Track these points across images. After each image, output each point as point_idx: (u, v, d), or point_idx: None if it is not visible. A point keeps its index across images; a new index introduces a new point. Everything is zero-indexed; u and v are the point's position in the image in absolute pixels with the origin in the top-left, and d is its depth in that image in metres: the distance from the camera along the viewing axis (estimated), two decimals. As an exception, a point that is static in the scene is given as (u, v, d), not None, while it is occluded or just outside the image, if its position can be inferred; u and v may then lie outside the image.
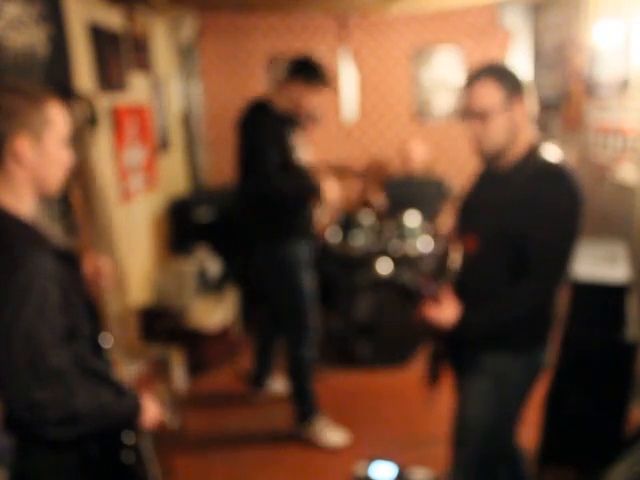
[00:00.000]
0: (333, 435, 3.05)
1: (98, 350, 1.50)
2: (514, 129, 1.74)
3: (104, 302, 1.76)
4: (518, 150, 1.77)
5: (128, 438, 1.47)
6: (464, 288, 1.86)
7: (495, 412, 1.88)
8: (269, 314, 3.41)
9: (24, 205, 1.35)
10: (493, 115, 1.72)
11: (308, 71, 2.84)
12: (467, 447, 1.95)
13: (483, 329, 1.85)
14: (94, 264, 1.71)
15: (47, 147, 1.33)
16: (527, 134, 1.79)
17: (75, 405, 1.27)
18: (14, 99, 1.29)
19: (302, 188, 2.87)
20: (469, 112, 1.77)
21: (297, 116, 2.92)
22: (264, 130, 2.77)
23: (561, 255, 1.74)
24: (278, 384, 3.49)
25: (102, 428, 1.37)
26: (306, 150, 3.00)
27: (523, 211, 1.71)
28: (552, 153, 1.78)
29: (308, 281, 3.04)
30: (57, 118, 1.35)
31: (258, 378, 3.47)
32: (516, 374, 1.86)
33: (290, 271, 2.95)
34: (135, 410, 1.45)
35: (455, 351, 1.94)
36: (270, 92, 2.97)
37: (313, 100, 2.87)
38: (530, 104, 1.78)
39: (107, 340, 1.54)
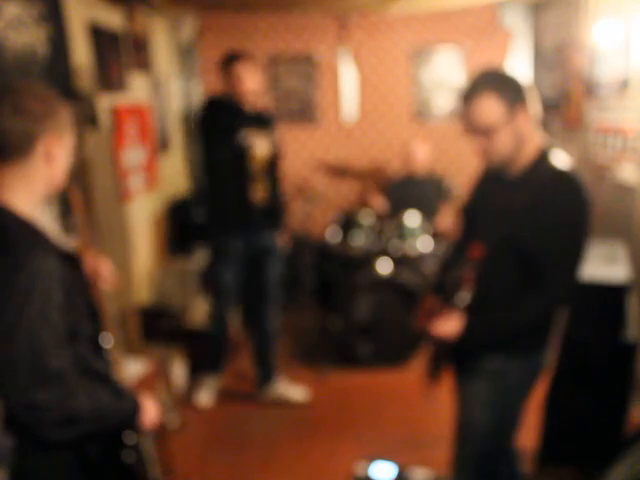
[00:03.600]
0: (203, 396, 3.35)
1: (98, 350, 1.50)
2: (520, 138, 1.72)
3: (104, 302, 1.76)
4: (527, 156, 1.75)
5: (129, 438, 1.47)
6: (472, 296, 1.84)
7: (494, 414, 1.88)
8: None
9: (31, 206, 1.36)
10: (497, 130, 1.68)
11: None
12: (467, 448, 1.96)
13: (488, 340, 1.84)
14: (93, 264, 1.71)
15: (66, 150, 1.39)
16: (535, 139, 1.76)
17: (75, 407, 1.27)
18: (40, 101, 1.32)
19: None
20: (472, 128, 1.73)
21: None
22: None
23: (573, 264, 1.73)
24: (281, 388, 3.47)
25: (102, 429, 1.37)
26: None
27: (534, 219, 1.69)
28: (561, 158, 1.76)
29: (229, 276, 3.24)
30: (69, 122, 1.39)
31: (263, 380, 3.48)
32: (514, 376, 1.85)
33: (214, 261, 3.28)
34: (134, 411, 1.46)
35: (455, 353, 1.93)
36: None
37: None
38: (534, 108, 1.75)
39: (107, 340, 1.54)
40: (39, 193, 1.37)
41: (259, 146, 3.06)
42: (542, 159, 1.74)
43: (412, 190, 4.35)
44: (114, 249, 3.34)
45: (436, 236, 3.93)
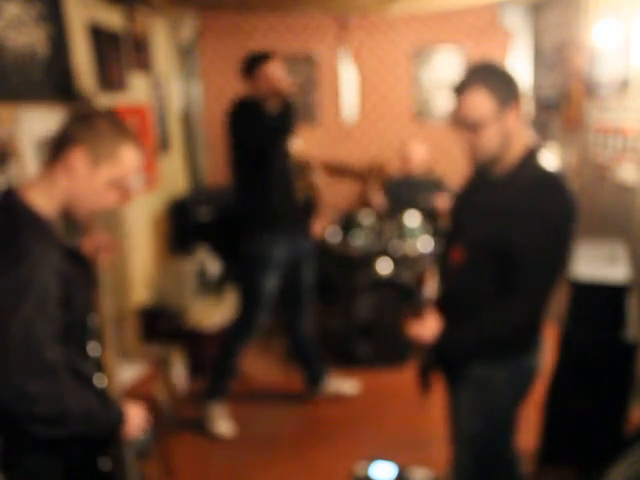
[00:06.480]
0: (222, 425, 3.11)
1: (86, 355, 1.49)
2: (507, 136, 1.68)
3: (101, 306, 1.76)
4: (513, 155, 1.71)
5: (108, 446, 1.47)
6: (450, 301, 1.84)
7: (484, 423, 1.86)
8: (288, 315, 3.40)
9: (50, 209, 1.37)
10: (485, 125, 1.65)
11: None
12: (462, 455, 1.94)
13: (466, 348, 1.81)
14: (93, 242, 1.73)
15: (98, 176, 1.38)
16: (522, 138, 1.73)
17: (65, 404, 1.27)
18: (100, 121, 1.39)
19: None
20: (460, 121, 1.70)
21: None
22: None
23: (551, 270, 1.68)
24: (334, 384, 3.48)
25: (86, 432, 1.36)
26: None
27: (513, 221, 1.64)
28: (548, 159, 1.72)
29: (270, 283, 3.05)
30: (126, 162, 1.41)
31: (315, 379, 3.47)
32: (501, 381, 1.80)
33: (254, 268, 3.02)
34: (119, 419, 1.44)
35: (442, 361, 1.91)
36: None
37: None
38: (524, 106, 1.71)
39: (95, 349, 1.52)
40: (57, 202, 1.37)
41: (294, 144, 3.02)
42: (529, 159, 1.70)
43: (411, 190, 4.35)
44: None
45: (435, 235, 3.92)
